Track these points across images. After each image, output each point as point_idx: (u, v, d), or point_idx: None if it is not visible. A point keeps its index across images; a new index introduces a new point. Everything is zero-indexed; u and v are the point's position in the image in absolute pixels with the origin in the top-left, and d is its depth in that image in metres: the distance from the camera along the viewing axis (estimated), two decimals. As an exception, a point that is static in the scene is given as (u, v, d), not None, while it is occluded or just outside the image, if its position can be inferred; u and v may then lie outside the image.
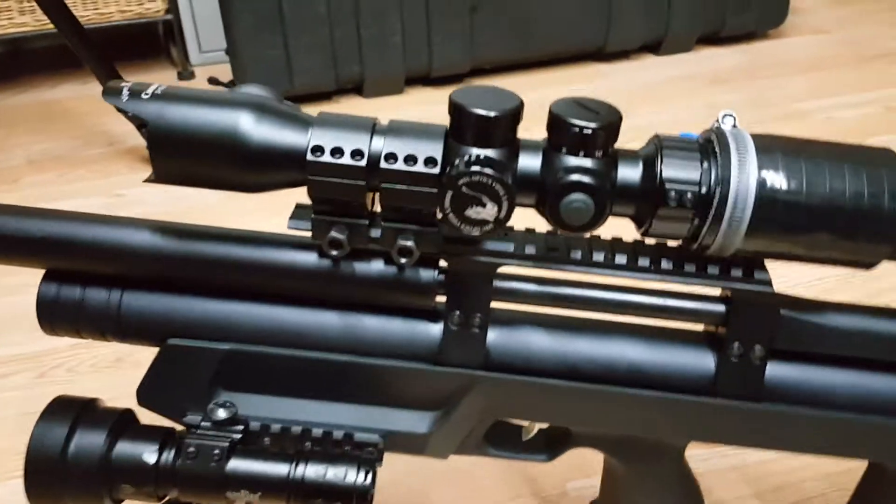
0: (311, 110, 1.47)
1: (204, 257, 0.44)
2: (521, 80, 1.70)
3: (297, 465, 0.41)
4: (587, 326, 0.46)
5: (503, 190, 0.37)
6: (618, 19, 1.71)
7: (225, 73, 1.68)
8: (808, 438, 0.45)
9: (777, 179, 0.37)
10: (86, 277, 0.45)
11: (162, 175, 0.40)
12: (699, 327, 0.47)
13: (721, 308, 0.43)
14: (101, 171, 1.37)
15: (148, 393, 0.45)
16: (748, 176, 0.37)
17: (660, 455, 0.49)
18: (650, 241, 0.42)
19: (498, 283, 0.43)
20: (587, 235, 0.42)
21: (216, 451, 0.41)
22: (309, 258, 0.43)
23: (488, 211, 0.37)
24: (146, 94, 0.40)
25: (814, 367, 0.44)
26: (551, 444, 0.50)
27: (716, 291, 0.44)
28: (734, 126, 0.40)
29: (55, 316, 0.45)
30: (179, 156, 0.40)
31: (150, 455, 0.42)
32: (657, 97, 1.61)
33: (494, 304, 0.44)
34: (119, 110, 0.41)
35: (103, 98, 0.41)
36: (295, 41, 1.55)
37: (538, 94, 1.69)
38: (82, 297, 0.45)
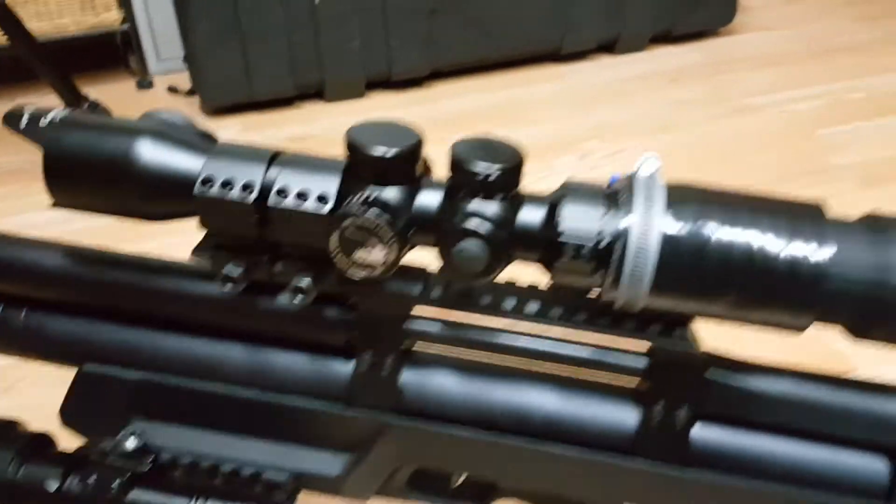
0: (274, 117, 1.48)
1: (114, 284, 0.44)
2: (481, 82, 1.72)
3: (196, 501, 0.41)
4: (507, 373, 0.43)
5: (391, 233, 0.35)
6: (572, 21, 1.73)
7: (184, 80, 1.68)
8: None
9: (684, 235, 0.34)
10: (5, 297, 0.45)
11: (61, 201, 0.40)
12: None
13: (643, 363, 0.40)
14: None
15: (69, 415, 0.45)
16: (651, 230, 0.34)
17: None
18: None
19: (410, 325, 0.41)
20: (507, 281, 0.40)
21: (116, 482, 0.41)
22: (214, 289, 0.41)
23: (376, 254, 0.36)
24: (45, 119, 0.39)
25: (747, 434, 0.41)
26: (478, 495, 0.48)
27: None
28: (656, 170, 0.36)
29: None
30: (75, 182, 0.39)
31: (52, 482, 0.42)
32: (617, 96, 1.63)
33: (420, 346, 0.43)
34: (20, 135, 0.41)
35: (3, 124, 0.41)
36: (253, 48, 1.55)
37: (497, 95, 1.72)
38: (3, 317, 0.45)
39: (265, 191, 0.37)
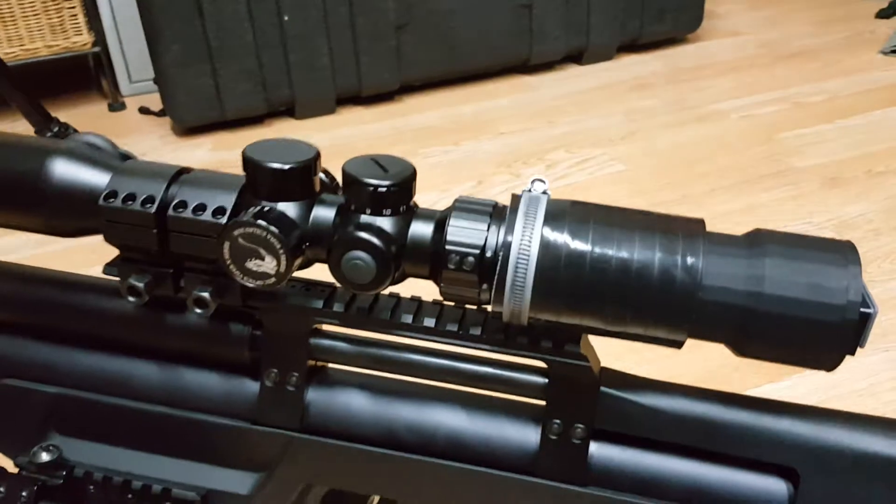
0: (245, 135, 1.51)
1: (31, 300, 0.45)
2: (450, 95, 1.74)
3: None
4: (410, 392, 0.43)
5: (279, 244, 0.36)
6: (539, 33, 1.76)
7: (156, 101, 1.70)
8: None
9: (562, 248, 0.35)
10: None
11: None
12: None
13: (541, 380, 0.40)
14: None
15: None
16: (529, 242, 0.35)
17: None
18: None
19: (315, 342, 0.42)
20: (409, 296, 0.41)
21: (24, 494, 0.42)
22: (124, 305, 0.42)
23: (268, 264, 0.37)
24: None
25: (644, 453, 0.41)
26: None
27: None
28: (544, 192, 0.37)
29: None
30: None
31: None
32: (579, 106, 1.66)
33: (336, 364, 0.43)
34: None
35: None
36: (223, 68, 1.57)
37: (466, 108, 1.74)
38: None
39: (165, 204, 0.38)
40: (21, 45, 1.65)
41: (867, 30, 1.96)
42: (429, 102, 1.72)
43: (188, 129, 1.64)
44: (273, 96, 1.62)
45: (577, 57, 1.85)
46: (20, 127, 1.41)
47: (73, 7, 1.67)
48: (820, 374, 0.91)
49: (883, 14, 2.02)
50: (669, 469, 0.40)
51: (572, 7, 1.77)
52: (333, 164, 1.36)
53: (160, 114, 1.70)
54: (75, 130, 1.35)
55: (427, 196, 1.35)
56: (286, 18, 1.56)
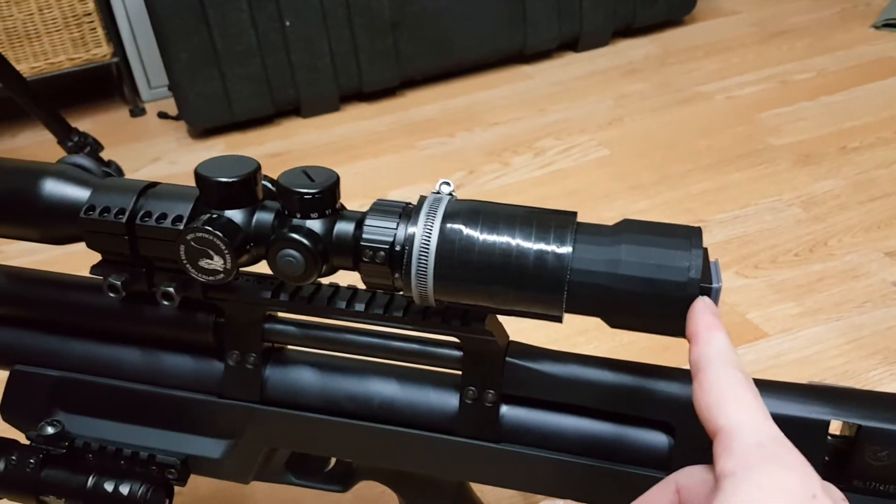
0: (255, 135, 1.62)
1: (35, 297, 0.53)
2: (448, 88, 1.81)
3: (95, 478, 0.50)
4: (352, 367, 0.51)
5: (224, 246, 0.43)
6: (533, 22, 1.82)
7: (174, 106, 1.80)
8: (543, 480, 0.48)
9: (455, 239, 0.41)
10: None
11: None
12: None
13: (456, 353, 0.47)
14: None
15: (7, 410, 0.54)
16: (430, 236, 0.41)
17: (435, 489, 0.54)
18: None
19: (268, 326, 0.49)
20: (346, 285, 0.49)
21: (31, 461, 0.50)
22: (110, 300, 0.49)
23: (216, 262, 0.43)
24: None
25: (547, 413, 0.48)
26: (343, 476, 0.56)
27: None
28: (450, 194, 0.44)
29: None
30: None
31: None
32: (571, 93, 1.72)
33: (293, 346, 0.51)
34: None
35: None
36: (230, 73, 1.66)
37: (463, 100, 1.82)
38: None
39: (134, 215, 0.46)
40: (46, 60, 1.77)
41: (863, 2, 1.98)
42: (428, 96, 1.80)
43: (202, 131, 1.75)
44: (279, 97, 1.72)
45: (573, 44, 1.90)
46: (44, 137, 1.51)
47: (93, 21, 1.78)
48: (769, 343, 0.98)
49: (879, -14, 2.03)
50: (568, 426, 0.47)
51: (564, -4, 1.83)
52: (338, 159, 1.48)
53: (177, 118, 1.80)
54: (95, 140, 1.45)
55: (419, 188, 1.41)
56: (287, 23, 1.65)
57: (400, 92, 1.82)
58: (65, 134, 1.43)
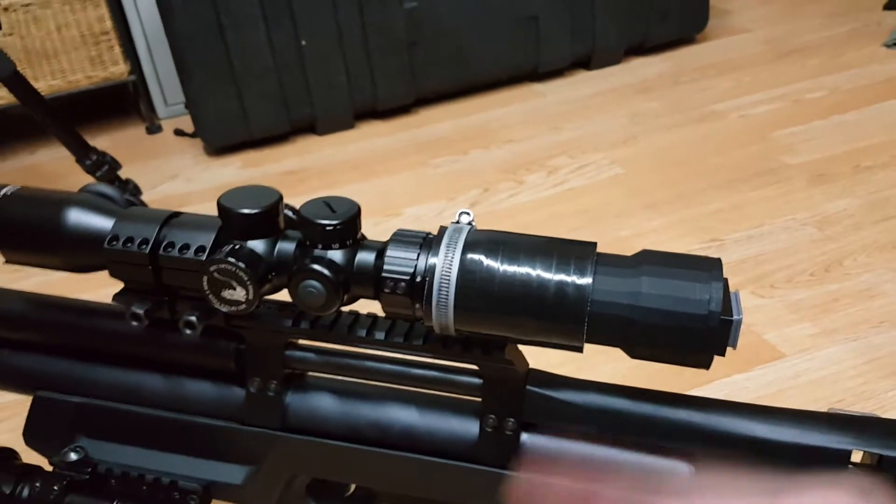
0: (271, 153, 1.63)
1: (58, 324, 0.54)
2: (462, 106, 1.83)
3: None
4: (372, 393, 0.51)
5: (247, 277, 0.43)
6: (546, 41, 1.83)
7: (190, 123, 1.81)
8: None
9: (475, 269, 0.41)
10: None
11: (11, 258, 0.50)
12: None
13: (476, 381, 0.47)
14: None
15: (30, 435, 0.54)
16: (450, 267, 0.41)
17: None
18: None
19: (288, 353, 0.49)
20: (365, 313, 0.48)
21: (55, 488, 0.50)
22: (132, 327, 0.48)
23: (239, 293, 0.44)
24: None
25: (566, 441, 0.47)
26: (364, 502, 0.55)
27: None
28: (469, 223, 0.44)
29: None
30: (17, 242, 0.49)
31: (6, 486, 0.52)
32: (584, 111, 1.73)
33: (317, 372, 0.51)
34: None
35: None
36: (247, 91, 1.68)
37: (477, 118, 1.84)
38: None
39: (157, 245, 0.46)
40: (64, 78, 1.79)
41: (874, 21, 1.99)
42: (442, 114, 1.81)
43: (218, 148, 1.76)
44: (295, 115, 1.73)
45: (586, 62, 1.92)
46: (62, 154, 1.53)
47: (110, 40, 1.80)
48: (785, 363, 0.98)
49: (891, 5, 2.04)
50: (589, 454, 0.47)
51: (577, 14, 1.84)
52: (353, 176, 1.49)
53: (193, 135, 1.82)
54: (113, 158, 1.47)
55: (434, 205, 1.45)
56: (304, 43, 1.66)
57: (414, 109, 1.83)
58: (82, 152, 1.45)
